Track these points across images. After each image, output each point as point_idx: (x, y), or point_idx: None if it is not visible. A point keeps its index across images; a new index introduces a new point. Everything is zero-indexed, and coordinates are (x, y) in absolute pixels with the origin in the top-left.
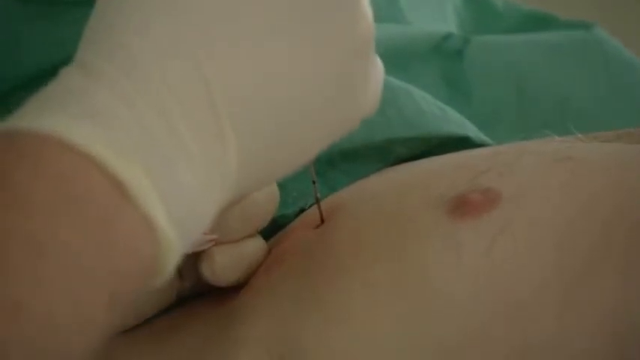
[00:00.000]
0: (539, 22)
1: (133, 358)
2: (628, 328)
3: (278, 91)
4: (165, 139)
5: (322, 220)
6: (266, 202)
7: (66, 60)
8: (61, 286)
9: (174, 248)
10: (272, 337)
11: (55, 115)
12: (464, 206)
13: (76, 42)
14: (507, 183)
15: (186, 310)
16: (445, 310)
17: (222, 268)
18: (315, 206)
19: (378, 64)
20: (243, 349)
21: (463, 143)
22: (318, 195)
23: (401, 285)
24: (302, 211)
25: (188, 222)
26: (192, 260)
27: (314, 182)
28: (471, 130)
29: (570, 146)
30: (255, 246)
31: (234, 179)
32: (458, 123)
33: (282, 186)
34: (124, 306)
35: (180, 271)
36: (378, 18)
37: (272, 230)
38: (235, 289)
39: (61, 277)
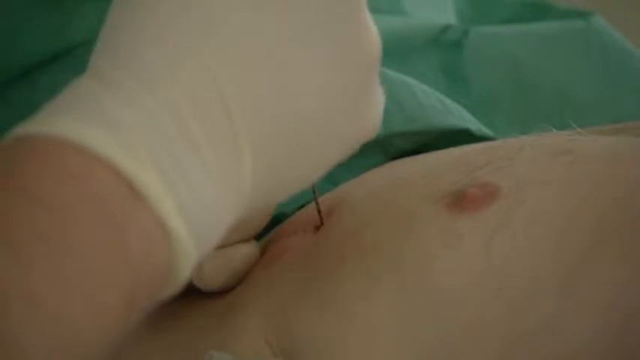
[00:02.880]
0: (538, 10)
1: (131, 347)
2: (628, 317)
3: (290, 105)
4: (180, 146)
5: (321, 222)
6: (259, 212)
7: (65, 49)
8: (76, 283)
9: (189, 253)
10: (271, 328)
11: (70, 120)
12: (463, 201)
13: (76, 30)
14: (506, 177)
15: (185, 301)
16: (445, 302)
17: (209, 274)
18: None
19: (380, 90)
20: (242, 339)
21: (464, 136)
22: (318, 199)
23: (401, 279)
24: (301, 207)
25: (203, 228)
26: None
27: (314, 191)
28: (472, 123)
29: (570, 139)
30: (246, 252)
31: (249, 190)
32: (458, 115)
33: None
34: (142, 307)
35: None
36: (378, 10)
37: (271, 228)
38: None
39: (77, 274)
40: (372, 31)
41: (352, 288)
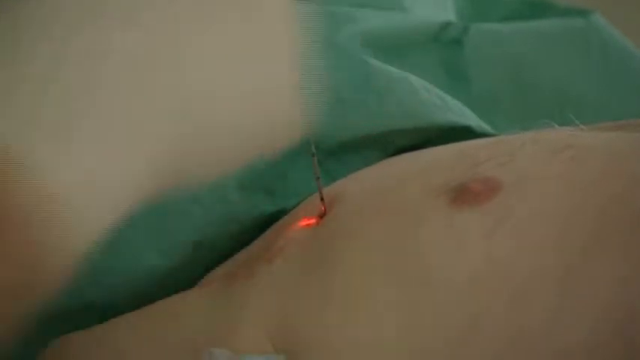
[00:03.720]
0: (537, 8)
1: (131, 342)
2: (628, 315)
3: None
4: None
5: (324, 212)
6: None
7: None
8: None
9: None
10: (273, 324)
11: None
12: (465, 195)
13: None
14: (508, 172)
15: (186, 295)
16: (445, 297)
17: None
18: (317, 195)
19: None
20: (243, 335)
21: (464, 133)
22: (322, 190)
23: (400, 272)
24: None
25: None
26: None
27: (318, 178)
28: (472, 120)
29: (571, 135)
30: None
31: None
32: (459, 112)
33: (283, 177)
34: None
35: None
36: (378, 7)
37: (270, 225)
38: (235, 276)
39: None
40: None
41: (352, 284)
